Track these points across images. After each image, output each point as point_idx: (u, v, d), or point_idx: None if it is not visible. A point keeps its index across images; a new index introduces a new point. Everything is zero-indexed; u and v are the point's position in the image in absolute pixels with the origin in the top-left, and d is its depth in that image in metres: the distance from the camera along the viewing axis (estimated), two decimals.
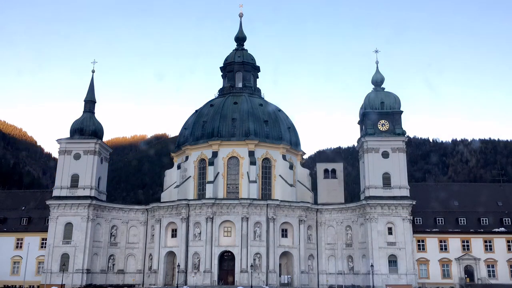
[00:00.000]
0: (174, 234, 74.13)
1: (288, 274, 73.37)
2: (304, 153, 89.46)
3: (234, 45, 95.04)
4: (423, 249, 72.77)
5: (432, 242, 72.97)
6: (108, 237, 76.09)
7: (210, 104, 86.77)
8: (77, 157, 76.21)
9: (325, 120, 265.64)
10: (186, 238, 72.03)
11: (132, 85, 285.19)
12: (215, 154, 79.46)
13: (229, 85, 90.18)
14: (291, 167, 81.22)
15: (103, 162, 79.91)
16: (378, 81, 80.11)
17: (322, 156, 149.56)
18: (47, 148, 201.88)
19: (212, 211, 71.91)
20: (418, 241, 72.90)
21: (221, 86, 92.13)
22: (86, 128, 78.55)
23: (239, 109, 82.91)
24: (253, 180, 77.18)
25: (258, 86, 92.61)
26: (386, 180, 72.91)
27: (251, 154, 79.06)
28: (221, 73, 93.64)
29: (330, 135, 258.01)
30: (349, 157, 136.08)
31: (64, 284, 68.16)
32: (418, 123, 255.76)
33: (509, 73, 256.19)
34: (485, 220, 74.29)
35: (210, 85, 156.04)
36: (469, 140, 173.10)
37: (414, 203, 71.71)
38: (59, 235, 72.95)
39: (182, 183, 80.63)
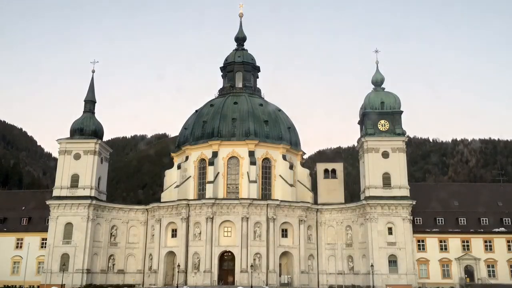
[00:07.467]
0: (174, 234, 74.13)
1: (288, 274, 73.35)
2: (304, 153, 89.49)
3: (234, 45, 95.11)
4: (423, 249, 72.71)
5: (432, 242, 72.90)
6: (108, 237, 76.09)
7: (210, 104, 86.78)
8: (77, 157, 76.24)
9: (325, 120, 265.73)
10: (186, 238, 72.04)
11: (132, 85, 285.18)
12: (215, 154, 79.47)
13: (229, 85, 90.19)
14: (291, 167, 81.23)
15: (103, 162, 79.94)
16: (378, 81, 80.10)
17: (322, 156, 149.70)
18: (47, 148, 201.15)
19: (212, 211, 71.92)
20: (418, 241, 72.84)
21: (221, 86, 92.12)
22: (86, 128, 78.61)
23: (239, 109, 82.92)
24: (253, 180, 77.17)
25: (258, 86, 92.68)
26: (386, 180, 72.91)
27: (251, 154, 79.06)
28: (221, 73, 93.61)
29: (330, 135, 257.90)
30: (349, 157, 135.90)
31: (64, 284, 68.11)
32: (418, 123, 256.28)
33: (509, 73, 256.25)
34: (485, 220, 74.22)
35: (210, 85, 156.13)
36: (469, 140, 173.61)
37: (414, 203, 71.71)
38: (59, 235, 72.94)
39: (182, 183, 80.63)
